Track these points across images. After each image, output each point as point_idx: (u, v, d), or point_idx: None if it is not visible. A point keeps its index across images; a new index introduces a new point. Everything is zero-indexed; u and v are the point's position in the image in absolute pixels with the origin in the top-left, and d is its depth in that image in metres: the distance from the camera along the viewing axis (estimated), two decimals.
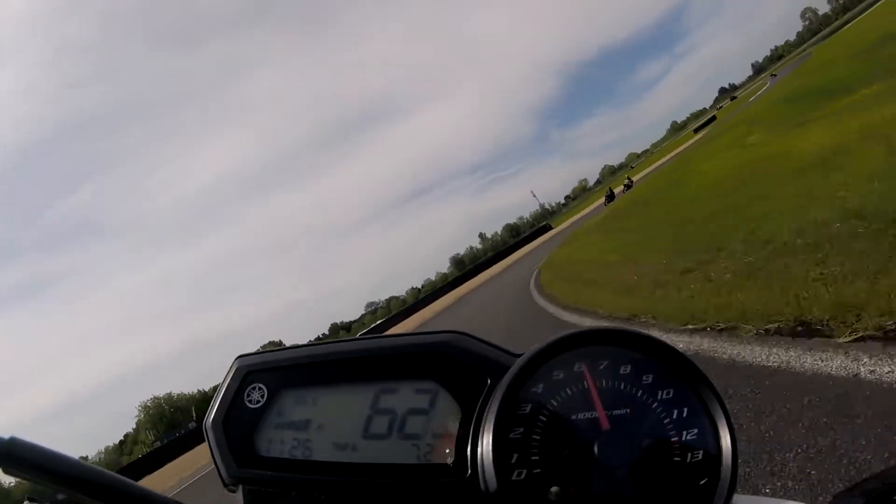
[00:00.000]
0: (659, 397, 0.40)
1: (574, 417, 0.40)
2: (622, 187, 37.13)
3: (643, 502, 0.37)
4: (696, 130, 72.98)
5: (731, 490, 0.38)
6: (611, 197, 35.77)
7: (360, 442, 0.45)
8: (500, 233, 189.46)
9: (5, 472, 0.39)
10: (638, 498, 0.37)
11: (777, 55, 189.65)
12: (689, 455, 0.39)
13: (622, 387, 0.41)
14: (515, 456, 0.39)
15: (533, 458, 0.39)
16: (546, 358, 0.42)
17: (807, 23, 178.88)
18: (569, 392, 0.41)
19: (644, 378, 0.41)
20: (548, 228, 60.60)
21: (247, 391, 0.48)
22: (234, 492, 0.46)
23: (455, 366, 0.46)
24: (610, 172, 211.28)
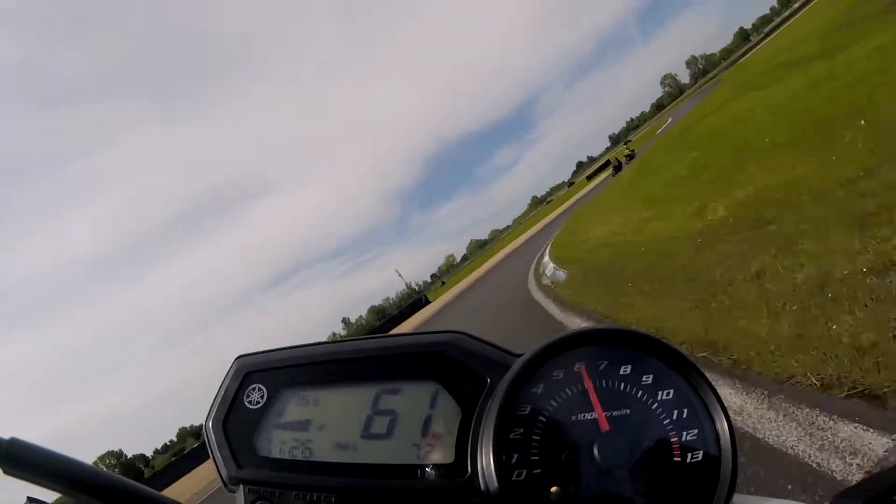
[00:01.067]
0: (659, 398, 0.40)
1: (574, 418, 0.40)
2: (625, 158, 37.62)
3: (643, 502, 0.37)
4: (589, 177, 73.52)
5: (731, 490, 0.38)
6: (618, 168, 35.82)
7: (360, 442, 0.45)
8: (364, 316, 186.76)
9: (5, 472, 0.39)
10: (638, 498, 0.37)
11: (633, 125, 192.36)
12: (689, 455, 0.39)
13: (622, 387, 0.41)
14: (515, 456, 0.39)
15: (533, 458, 0.39)
16: (546, 358, 0.42)
17: (667, 88, 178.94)
18: (569, 392, 0.41)
19: (644, 378, 0.41)
20: (424, 302, 52.73)
21: (246, 391, 0.48)
22: (234, 492, 0.46)
23: (455, 366, 0.46)
24: (478, 246, 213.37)
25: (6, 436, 0.40)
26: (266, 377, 0.48)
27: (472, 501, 0.42)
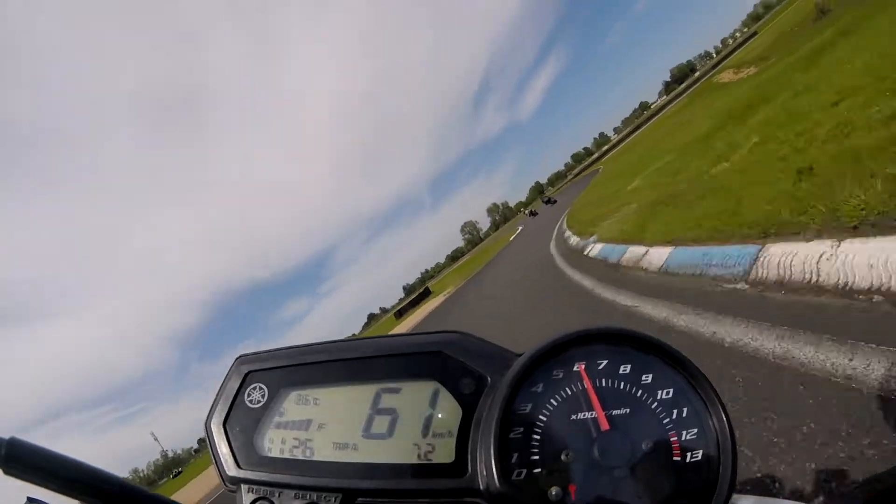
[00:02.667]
0: (658, 397, 0.40)
1: (574, 417, 0.40)
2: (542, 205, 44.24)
3: (643, 502, 0.37)
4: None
5: (731, 490, 0.38)
6: (547, 204, 42.08)
7: (360, 442, 0.45)
8: None
9: (5, 472, 0.39)
10: (638, 498, 0.37)
11: (428, 275, 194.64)
12: (689, 455, 0.39)
13: (622, 386, 0.41)
14: (515, 456, 0.39)
15: (533, 458, 0.39)
16: (546, 357, 0.42)
17: (467, 236, 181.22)
18: (569, 392, 0.41)
19: (644, 377, 0.41)
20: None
21: (247, 391, 0.48)
22: (234, 492, 0.46)
23: (455, 365, 0.46)
24: None
25: (6, 436, 0.40)
26: (267, 376, 0.48)
27: (472, 501, 0.42)
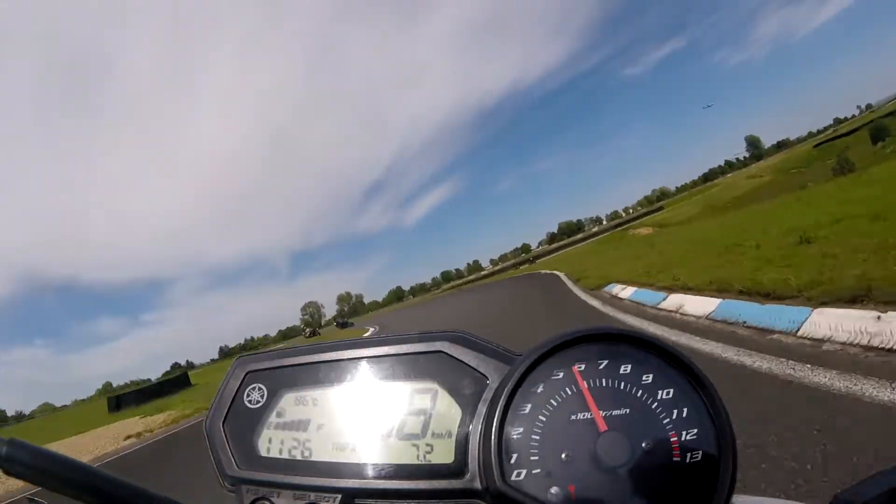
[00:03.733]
0: (659, 397, 0.40)
1: (574, 417, 0.40)
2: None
3: (643, 502, 0.37)
4: None
5: (731, 490, 0.37)
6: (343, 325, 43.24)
7: (359, 442, 0.44)
8: None
9: (5, 472, 0.39)
10: (638, 498, 0.37)
11: (251, 344, 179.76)
12: (689, 455, 0.38)
13: (622, 386, 0.41)
14: (515, 456, 0.39)
15: (533, 458, 0.39)
16: (546, 358, 0.42)
17: (306, 317, 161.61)
18: (569, 392, 0.41)
19: (644, 378, 0.41)
20: None
21: (247, 391, 0.48)
22: (234, 492, 0.46)
23: (455, 366, 0.45)
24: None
25: (6, 436, 0.40)
26: (266, 377, 0.48)
27: (472, 501, 0.42)
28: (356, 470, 0.44)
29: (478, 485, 0.41)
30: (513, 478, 0.39)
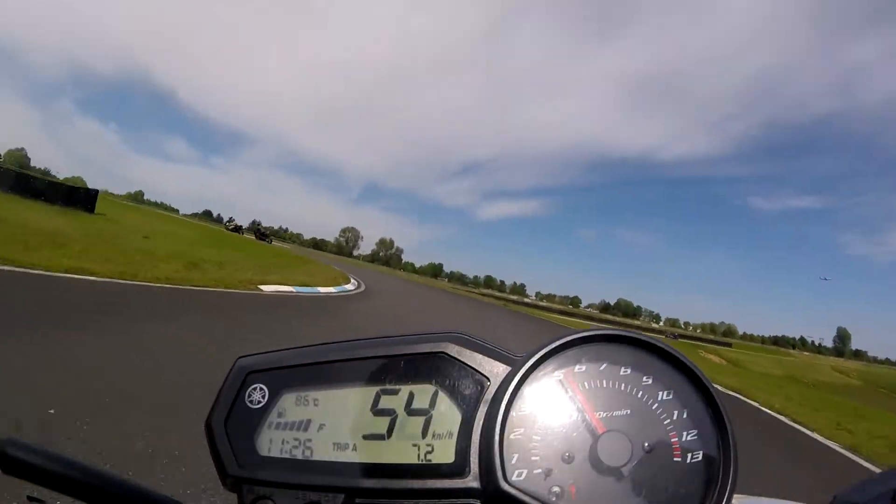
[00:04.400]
0: (659, 398, 0.40)
1: (575, 418, 0.40)
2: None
3: (644, 502, 0.37)
4: None
5: (731, 491, 0.38)
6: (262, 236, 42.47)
7: (360, 442, 0.45)
8: None
9: (5, 472, 0.39)
10: (638, 498, 0.37)
11: (264, 230, 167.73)
12: (689, 456, 0.39)
13: (622, 388, 0.41)
14: (515, 456, 0.39)
15: (533, 458, 0.39)
16: (547, 359, 0.42)
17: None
18: (569, 393, 0.41)
19: (644, 379, 0.41)
20: None
21: (247, 391, 0.48)
22: (234, 492, 0.46)
23: (455, 367, 0.45)
24: None
25: (3, 436, 0.40)
26: (267, 377, 0.48)
27: (472, 501, 0.42)
28: (357, 470, 0.44)
29: (479, 485, 0.41)
30: (514, 478, 0.39)
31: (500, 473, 0.39)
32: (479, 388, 0.44)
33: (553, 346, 0.42)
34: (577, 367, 0.42)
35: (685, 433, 0.39)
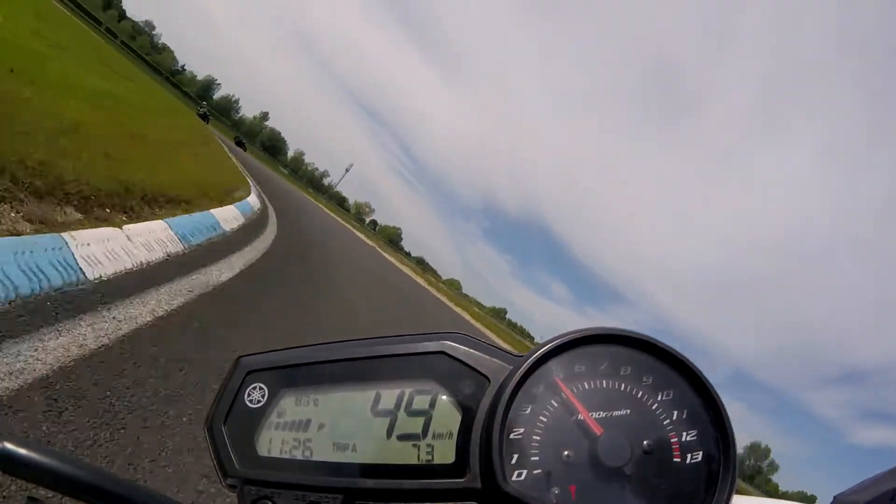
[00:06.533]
0: (659, 398, 0.40)
1: (575, 418, 0.40)
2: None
3: (643, 503, 0.37)
4: None
5: (731, 491, 0.38)
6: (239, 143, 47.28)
7: (360, 442, 0.44)
8: None
9: (4, 472, 0.39)
10: (638, 498, 0.37)
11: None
12: (689, 456, 0.39)
13: (622, 387, 0.41)
14: (516, 457, 0.39)
15: (533, 458, 0.39)
16: (547, 359, 0.42)
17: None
18: (570, 393, 0.41)
19: (644, 379, 0.41)
20: None
21: (247, 391, 0.48)
22: (234, 491, 0.46)
23: (455, 367, 0.45)
24: None
25: (5, 435, 0.40)
26: (267, 377, 0.48)
27: (472, 502, 0.42)
28: (357, 470, 0.44)
29: (479, 485, 0.41)
30: (514, 478, 0.39)
31: (500, 474, 0.38)
32: (480, 387, 0.44)
33: (553, 345, 0.42)
34: (578, 366, 0.41)
35: (685, 433, 0.39)
